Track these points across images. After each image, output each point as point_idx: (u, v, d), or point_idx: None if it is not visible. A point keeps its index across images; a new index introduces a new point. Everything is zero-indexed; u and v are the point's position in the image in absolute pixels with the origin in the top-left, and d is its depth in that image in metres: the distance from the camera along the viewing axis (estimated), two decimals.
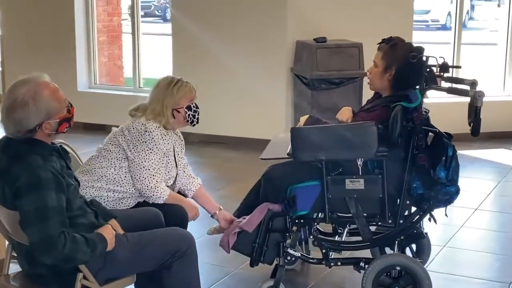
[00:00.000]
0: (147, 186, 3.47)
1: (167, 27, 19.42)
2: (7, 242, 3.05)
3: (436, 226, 3.74)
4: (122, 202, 3.53)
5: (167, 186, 3.62)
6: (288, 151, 3.46)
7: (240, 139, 7.24)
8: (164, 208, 3.45)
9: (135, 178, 3.49)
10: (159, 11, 20.93)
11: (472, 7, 20.44)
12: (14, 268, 3.04)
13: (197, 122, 3.68)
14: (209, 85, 7.36)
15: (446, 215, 3.60)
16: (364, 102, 6.54)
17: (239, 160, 6.81)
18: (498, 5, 19.56)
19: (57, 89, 2.82)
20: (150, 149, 3.48)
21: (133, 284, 3.11)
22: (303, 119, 3.67)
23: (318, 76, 6.48)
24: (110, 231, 2.86)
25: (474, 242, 4.72)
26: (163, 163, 3.55)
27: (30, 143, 2.76)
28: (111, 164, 3.51)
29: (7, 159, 2.75)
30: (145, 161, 3.47)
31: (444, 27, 18.79)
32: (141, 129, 3.48)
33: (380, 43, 3.65)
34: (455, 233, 4.75)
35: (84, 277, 2.80)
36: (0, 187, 2.76)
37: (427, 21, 18.41)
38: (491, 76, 8.98)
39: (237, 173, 6.33)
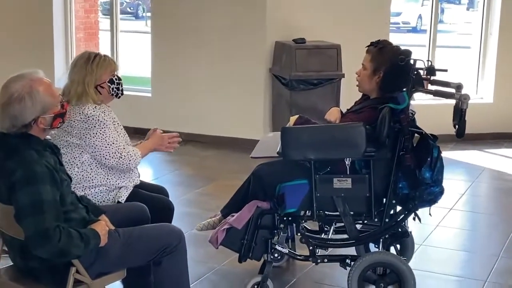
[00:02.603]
0: (120, 157, 3.50)
1: (139, 25, 19.36)
2: None
3: (413, 225, 3.83)
4: (103, 196, 3.55)
5: None
6: (278, 150, 3.52)
7: (218, 138, 7.28)
8: (148, 202, 3.49)
9: (105, 159, 3.49)
10: (131, 8, 20.82)
11: (442, 10, 20.76)
12: (3, 263, 3.06)
13: (122, 94, 3.65)
14: (187, 85, 7.41)
15: (430, 214, 3.71)
16: (341, 102, 6.68)
17: (218, 159, 6.85)
18: (467, 9, 19.93)
19: (51, 85, 2.87)
20: (101, 128, 3.48)
21: (120, 279, 3.15)
22: (292, 119, 3.73)
23: (297, 76, 6.55)
24: (103, 227, 2.91)
25: (449, 240, 4.85)
26: (118, 133, 3.57)
27: (25, 138, 2.80)
28: (72, 164, 3.50)
29: (2, 154, 2.78)
30: (105, 140, 3.48)
31: (414, 30, 19.06)
32: (81, 118, 3.47)
33: (368, 46, 3.73)
34: (431, 232, 4.86)
35: (77, 271, 2.84)
36: None
37: (398, 23, 18.66)
38: (462, 79, 9.16)
39: (214, 171, 6.37)
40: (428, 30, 7.88)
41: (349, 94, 6.67)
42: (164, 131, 3.84)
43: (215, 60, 7.25)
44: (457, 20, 20.16)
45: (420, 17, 19.97)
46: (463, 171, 6.53)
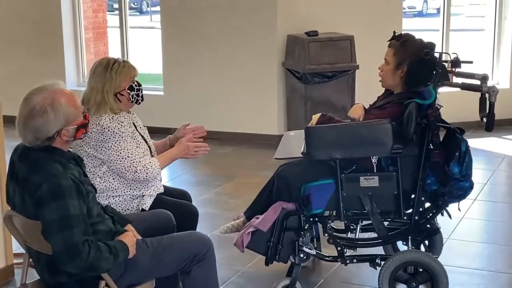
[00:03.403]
0: (135, 172, 3.42)
1: (144, 20, 19.27)
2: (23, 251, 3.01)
3: (438, 219, 3.74)
4: (126, 204, 3.50)
5: None
6: (302, 150, 3.45)
7: (234, 134, 7.22)
8: (173, 208, 3.44)
9: (121, 173, 3.43)
10: (135, 3, 20.74)
11: None
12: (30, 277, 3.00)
13: (142, 100, 3.56)
14: (200, 82, 7.34)
15: (459, 209, 3.64)
16: (357, 94, 6.61)
17: (234, 156, 6.79)
18: None
19: (73, 96, 2.81)
20: (117, 141, 3.42)
21: None
22: (315, 117, 3.65)
23: (310, 70, 6.48)
24: (131, 239, 2.85)
25: (475, 233, 4.77)
26: (135, 145, 3.49)
27: (49, 151, 2.74)
28: (93, 174, 3.44)
29: (26, 168, 2.72)
30: (120, 153, 3.41)
31: (421, 14, 18.91)
32: (98, 130, 3.40)
33: (390, 40, 3.64)
34: (457, 225, 4.78)
35: (106, 285, 2.78)
36: (20, 196, 2.74)
37: (404, 8, 18.50)
38: (477, 63, 9.04)
39: (233, 169, 6.32)
40: (441, 14, 7.77)
41: (365, 86, 6.63)
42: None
43: (227, 56, 7.17)
44: (463, 2, 20.02)
45: (425, 1, 19.82)
46: (483, 160, 6.43)
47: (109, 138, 3.40)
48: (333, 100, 6.53)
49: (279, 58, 6.93)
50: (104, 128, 3.40)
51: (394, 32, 3.70)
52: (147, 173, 3.43)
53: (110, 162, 3.43)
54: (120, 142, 3.42)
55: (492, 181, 5.83)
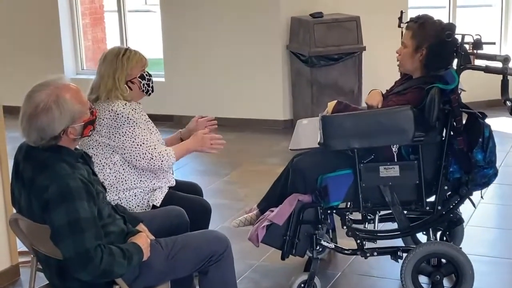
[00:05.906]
0: (151, 158, 3.29)
1: (138, 3, 18.95)
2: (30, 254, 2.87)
3: None
4: (137, 200, 3.35)
5: None
6: (319, 140, 3.29)
7: (238, 120, 7.06)
8: (185, 204, 3.29)
9: (135, 160, 3.29)
10: None
11: None
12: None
13: (152, 91, 3.46)
14: (202, 67, 7.17)
15: (482, 197, 3.50)
16: (364, 76, 6.44)
17: (239, 143, 6.63)
18: None
19: (78, 91, 2.64)
20: (131, 126, 3.29)
21: None
22: (330, 105, 3.49)
23: (316, 52, 6.32)
24: (145, 240, 2.70)
25: (494, 218, 4.63)
26: (149, 131, 3.37)
27: (55, 151, 2.58)
28: (104, 165, 3.32)
29: (31, 168, 2.56)
30: (135, 140, 3.29)
31: None
32: (111, 116, 3.28)
33: (407, 22, 3.48)
34: (474, 210, 4.62)
35: None
36: (26, 198, 2.58)
37: None
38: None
39: (239, 156, 6.17)
40: None
41: (372, 67, 6.48)
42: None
43: (230, 40, 7.00)
44: None
45: None
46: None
47: (123, 124, 3.27)
48: (340, 83, 6.37)
49: (283, 41, 6.77)
50: (117, 114, 3.27)
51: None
52: (162, 161, 3.31)
53: (124, 149, 3.29)
54: (134, 128, 3.28)
55: (506, 163, 5.68)
